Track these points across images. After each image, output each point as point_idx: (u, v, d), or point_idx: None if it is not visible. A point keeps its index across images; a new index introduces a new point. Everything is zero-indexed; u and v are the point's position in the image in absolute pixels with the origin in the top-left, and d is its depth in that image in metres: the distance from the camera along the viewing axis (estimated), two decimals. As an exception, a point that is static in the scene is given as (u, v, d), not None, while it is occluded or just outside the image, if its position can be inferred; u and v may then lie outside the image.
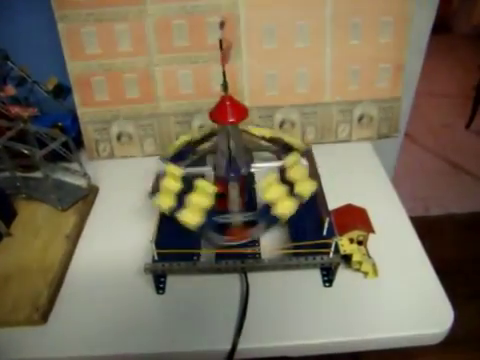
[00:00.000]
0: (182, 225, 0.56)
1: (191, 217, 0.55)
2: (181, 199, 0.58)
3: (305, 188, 0.58)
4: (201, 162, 0.71)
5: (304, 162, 0.65)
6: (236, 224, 0.61)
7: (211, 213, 0.57)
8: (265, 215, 0.57)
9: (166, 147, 0.71)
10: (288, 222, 0.59)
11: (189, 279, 0.59)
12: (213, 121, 0.56)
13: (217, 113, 0.56)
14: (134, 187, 0.74)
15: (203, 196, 0.57)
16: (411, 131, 2.07)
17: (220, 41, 0.50)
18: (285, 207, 0.56)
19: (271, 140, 0.72)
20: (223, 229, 0.59)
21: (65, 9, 0.72)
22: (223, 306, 0.55)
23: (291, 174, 0.60)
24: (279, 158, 0.76)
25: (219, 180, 0.61)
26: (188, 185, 0.59)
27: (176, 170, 0.60)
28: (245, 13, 0.74)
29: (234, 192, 0.60)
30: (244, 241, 0.58)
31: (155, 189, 0.61)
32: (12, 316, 0.54)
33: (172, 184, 0.60)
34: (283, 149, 0.70)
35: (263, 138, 0.72)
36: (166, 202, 0.58)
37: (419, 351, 1.16)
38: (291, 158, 0.61)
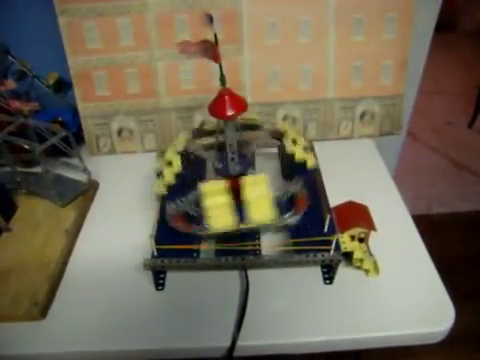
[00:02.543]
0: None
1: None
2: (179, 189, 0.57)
3: (259, 213, 0.56)
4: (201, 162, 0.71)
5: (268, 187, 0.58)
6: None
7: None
8: None
9: (167, 143, 0.71)
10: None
11: (189, 275, 0.58)
12: (212, 115, 0.56)
13: (216, 107, 0.55)
14: (134, 183, 0.74)
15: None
16: (414, 129, 2.05)
17: (215, 35, 0.50)
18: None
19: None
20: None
21: (66, 3, 0.72)
22: (223, 303, 0.55)
23: (247, 194, 0.56)
24: (281, 153, 0.76)
25: (221, 175, 0.61)
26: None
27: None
28: (247, 8, 0.73)
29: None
30: None
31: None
32: (11, 311, 0.54)
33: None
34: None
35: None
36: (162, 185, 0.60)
37: (420, 350, 1.16)
38: (252, 178, 0.58)
